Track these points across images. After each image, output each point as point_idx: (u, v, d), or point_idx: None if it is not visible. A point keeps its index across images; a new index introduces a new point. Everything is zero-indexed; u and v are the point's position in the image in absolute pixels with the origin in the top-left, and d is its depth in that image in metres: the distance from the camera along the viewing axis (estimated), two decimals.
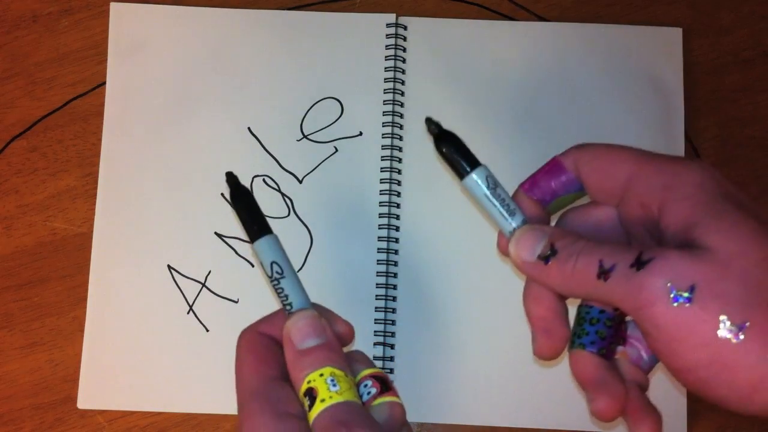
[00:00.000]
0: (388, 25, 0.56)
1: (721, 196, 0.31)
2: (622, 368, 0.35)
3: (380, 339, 0.52)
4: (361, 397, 0.34)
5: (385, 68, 0.55)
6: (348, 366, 0.34)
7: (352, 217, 0.54)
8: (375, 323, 0.52)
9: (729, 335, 0.27)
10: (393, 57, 0.55)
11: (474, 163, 0.36)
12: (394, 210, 0.54)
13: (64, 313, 0.54)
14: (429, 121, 0.37)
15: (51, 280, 0.54)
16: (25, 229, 0.55)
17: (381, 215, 0.54)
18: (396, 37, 0.56)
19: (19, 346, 0.53)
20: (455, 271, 0.53)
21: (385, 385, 0.34)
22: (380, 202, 0.54)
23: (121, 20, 0.57)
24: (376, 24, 0.56)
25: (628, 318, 0.35)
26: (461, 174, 0.36)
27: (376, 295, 0.53)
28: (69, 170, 0.55)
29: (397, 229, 0.54)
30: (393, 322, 0.53)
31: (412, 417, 0.52)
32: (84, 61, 0.57)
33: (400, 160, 0.55)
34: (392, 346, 0.52)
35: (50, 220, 0.55)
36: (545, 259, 0.34)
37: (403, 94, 0.55)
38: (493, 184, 0.36)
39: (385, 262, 0.53)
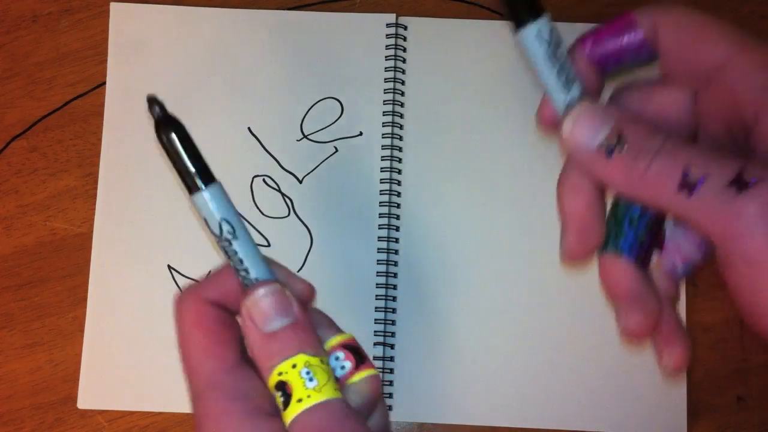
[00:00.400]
0: (388, 25, 0.56)
1: None
2: (653, 278, 0.31)
3: (380, 339, 0.52)
4: (332, 371, 0.29)
5: (385, 68, 0.55)
6: (321, 345, 0.29)
7: (352, 217, 0.54)
8: (375, 323, 0.52)
9: None
10: (393, 57, 0.55)
11: (537, 11, 0.30)
12: (394, 210, 0.54)
13: (64, 313, 0.54)
14: None
15: (51, 280, 0.54)
16: (25, 229, 0.55)
17: (381, 215, 0.54)
18: (396, 37, 0.56)
19: (19, 346, 0.53)
20: (455, 270, 0.53)
21: (359, 357, 0.30)
22: (380, 202, 0.54)
23: (121, 20, 0.57)
24: (376, 24, 0.56)
25: (667, 220, 0.31)
26: (518, 23, 0.29)
27: (376, 295, 0.53)
28: (69, 170, 0.55)
29: (397, 229, 0.54)
30: (393, 322, 0.53)
31: (412, 417, 0.52)
32: (84, 61, 0.57)
33: (400, 160, 0.55)
34: (392, 346, 0.52)
35: (50, 220, 0.55)
36: (609, 150, 0.27)
37: (403, 94, 0.55)
38: (557, 42, 0.30)
39: (385, 262, 0.53)
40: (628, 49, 0.30)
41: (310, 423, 0.27)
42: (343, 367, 0.29)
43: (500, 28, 0.56)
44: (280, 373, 0.28)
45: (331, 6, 0.57)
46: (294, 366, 0.28)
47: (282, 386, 0.28)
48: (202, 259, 0.54)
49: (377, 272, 0.53)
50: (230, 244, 0.29)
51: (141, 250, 0.54)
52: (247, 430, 0.27)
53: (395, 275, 0.53)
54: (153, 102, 0.29)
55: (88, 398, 0.52)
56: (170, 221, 0.54)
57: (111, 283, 0.53)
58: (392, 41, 0.56)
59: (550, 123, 0.31)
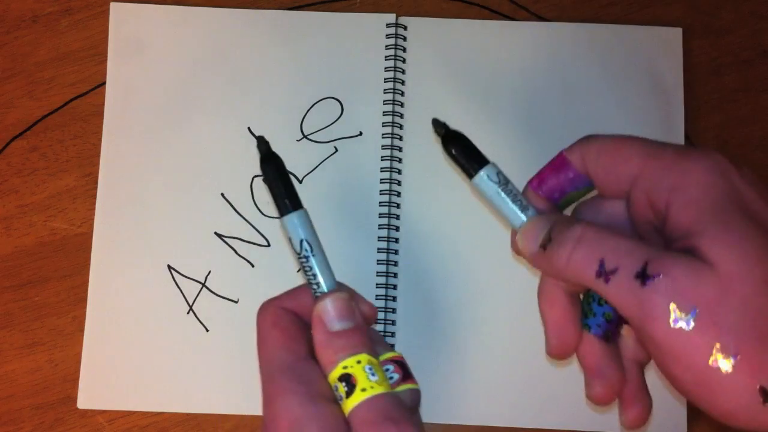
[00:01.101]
0: (388, 25, 0.56)
1: (729, 200, 0.30)
2: (623, 344, 0.36)
3: None
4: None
5: (385, 68, 0.55)
6: (376, 352, 0.33)
7: (352, 217, 0.54)
8: (375, 323, 0.52)
9: (719, 365, 0.28)
10: (393, 57, 0.55)
11: (483, 162, 0.36)
12: (394, 210, 0.54)
13: (64, 313, 0.54)
14: (436, 123, 0.37)
15: (51, 280, 0.54)
16: (25, 229, 0.55)
17: (381, 215, 0.54)
18: (396, 37, 0.56)
19: (19, 346, 0.53)
20: (455, 270, 0.53)
21: (405, 371, 0.34)
22: (380, 202, 0.54)
23: (121, 20, 0.57)
24: (376, 24, 0.56)
25: None
26: (471, 173, 0.36)
27: (376, 295, 0.53)
28: (69, 170, 0.55)
29: (397, 229, 0.54)
30: (393, 322, 0.53)
31: None
32: (84, 61, 0.57)
33: (400, 160, 0.55)
34: (392, 346, 0.52)
35: (50, 220, 0.55)
36: (543, 247, 0.33)
37: (403, 94, 0.55)
38: (504, 181, 0.36)
39: (385, 261, 0.53)
40: (566, 182, 0.36)
41: (374, 407, 0.31)
42: (392, 378, 0.33)
43: (500, 28, 0.56)
44: (345, 367, 0.32)
45: (331, 6, 0.57)
46: (359, 362, 0.32)
47: (346, 378, 0.31)
48: (202, 259, 0.54)
49: (377, 272, 0.53)
50: (307, 260, 0.34)
51: (141, 250, 0.54)
52: (311, 409, 0.31)
53: (395, 275, 0.53)
54: (261, 141, 0.35)
55: (88, 398, 0.52)
56: (170, 221, 0.54)
57: (111, 283, 0.53)
58: (392, 41, 0.56)
59: (518, 248, 0.36)
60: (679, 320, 0.28)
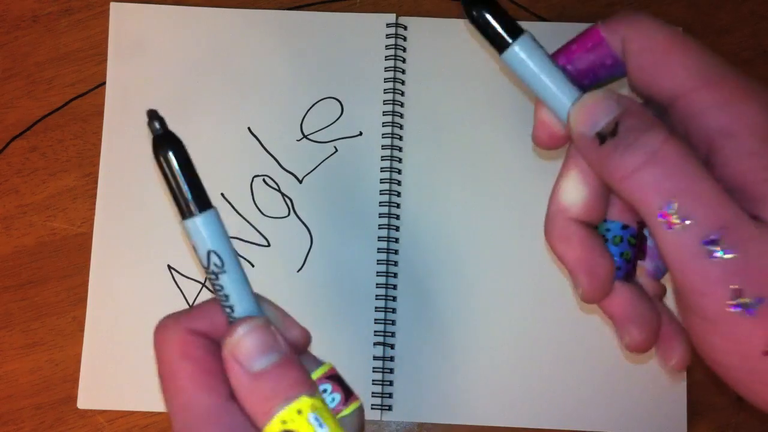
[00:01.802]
0: (388, 25, 0.56)
1: None
2: (641, 282, 0.31)
3: (380, 339, 0.52)
4: None
5: (385, 68, 0.55)
6: (314, 384, 0.27)
7: (352, 217, 0.54)
8: (375, 323, 0.52)
9: None
10: (393, 57, 0.55)
11: (518, 30, 0.29)
12: (394, 210, 0.54)
13: (64, 313, 0.54)
14: None
15: (51, 280, 0.54)
16: (25, 229, 0.55)
17: (381, 215, 0.54)
18: (396, 37, 0.56)
19: (19, 346, 0.53)
20: (455, 270, 0.53)
21: (345, 388, 0.28)
22: (380, 202, 0.54)
23: (121, 20, 0.57)
24: (376, 24, 0.56)
25: (645, 230, 0.31)
26: (506, 42, 0.28)
27: (376, 295, 0.53)
28: (69, 170, 0.55)
29: (397, 229, 0.54)
30: (393, 322, 0.53)
31: (412, 417, 0.52)
32: (84, 61, 0.57)
33: (400, 160, 0.55)
34: (392, 346, 0.52)
35: (50, 220, 0.55)
36: (602, 139, 0.26)
37: (403, 94, 0.55)
38: (546, 51, 0.29)
39: (385, 262, 0.53)
40: (601, 67, 0.29)
41: None
42: (333, 400, 0.28)
43: None
44: (284, 422, 0.25)
45: (331, 6, 0.57)
46: (299, 412, 0.25)
47: None
48: None
49: (377, 272, 0.53)
50: (217, 277, 0.26)
51: (141, 250, 0.54)
52: None
53: (395, 275, 0.53)
54: (153, 116, 0.26)
55: (88, 398, 0.52)
56: (170, 221, 0.54)
57: (111, 283, 0.53)
58: (392, 41, 0.56)
59: (548, 141, 0.30)
60: (742, 306, 0.24)
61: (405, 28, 0.56)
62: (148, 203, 0.54)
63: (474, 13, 0.28)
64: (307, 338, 0.29)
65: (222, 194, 0.54)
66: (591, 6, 0.57)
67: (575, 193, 0.29)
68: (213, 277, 0.26)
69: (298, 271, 0.53)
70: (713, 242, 0.24)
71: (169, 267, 0.54)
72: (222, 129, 0.55)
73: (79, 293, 0.54)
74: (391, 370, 0.52)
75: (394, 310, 0.53)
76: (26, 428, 0.52)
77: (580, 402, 0.52)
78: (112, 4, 0.57)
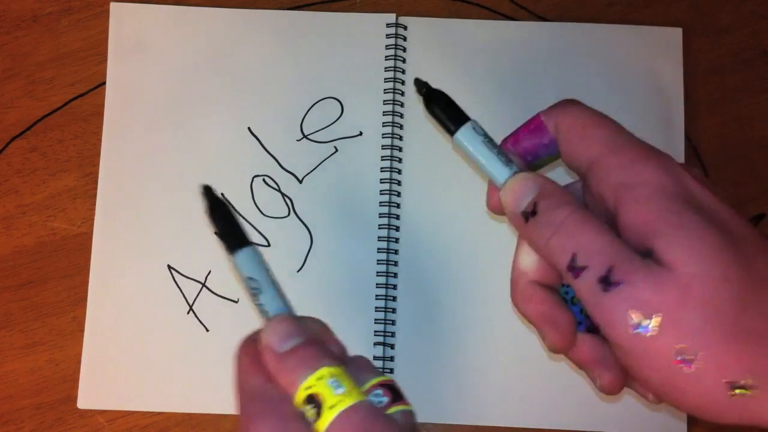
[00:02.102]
0: (388, 25, 0.56)
1: (682, 200, 0.30)
2: None
3: (380, 339, 0.52)
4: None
5: (385, 68, 0.55)
6: (339, 358, 0.32)
7: (352, 217, 0.54)
8: (375, 323, 0.52)
9: (682, 365, 0.28)
10: (393, 57, 0.55)
11: (465, 118, 0.35)
12: (394, 210, 0.54)
13: (64, 313, 0.54)
14: (417, 82, 0.36)
15: (51, 280, 0.54)
16: (25, 229, 0.55)
17: (381, 215, 0.54)
18: (396, 37, 0.56)
19: (19, 346, 0.53)
20: (455, 270, 0.53)
21: (396, 394, 0.32)
22: (380, 202, 0.54)
23: (121, 20, 0.57)
24: (376, 24, 0.56)
25: None
26: (453, 129, 0.35)
27: (376, 295, 0.53)
28: (69, 170, 0.55)
29: (397, 229, 0.54)
30: (393, 322, 0.53)
31: None
32: (84, 61, 0.57)
33: (400, 160, 0.55)
34: (392, 346, 0.52)
35: (50, 220, 0.55)
36: (526, 217, 0.32)
37: (403, 94, 0.55)
38: (487, 135, 0.35)
39: (385, 262, 0.53)
40: (541, 147, 0.35)
41: (348, 422, 0.29)
42: (380, 402, 0.31)
43: (500, 28, 0.56)
44: (307, 388, 0.30)
45: (331, 6, 0.57)
46: (320, 378, 0.30)
47: (312, 399, 0.30)
48: (202, 259, 0.54)
49: (377, 272, 0.53)
50: (256, 297, 0.33)
51: (141, 250, 0.54)
52: (281, 428, 0.30)
53: (395, 275, 0.53)
54: (207, 190, 0.35)
55: (88, 398, 0.52)
56: (170, 221, 0.54)
57: (111, 283, 0.53)
58: (392, 41, 0.56)
59: (497, 209, 0.35)
60: (639, 327, 0.29)
61: (405, 28, 0.56)
62: (148, 203, 0.54)
63: (430, 105, 0.36)
64: (343, 354, 0.34)
65: (222, 194, 0.54)
66: (591, 6, 0.57)
67: (529, 259, 0.35)
68: (253, 296, 0.34)
69: (298, 271, 0.53)
70: (605, 279, 0.29)
71: (169, 267, 0.54)
72: (222, 129, 0.55)
73: (79, 293, 0.54)
74: (391, 370, 0.52)
75: (394, 310, 0.53)
76: (26, 428, 0.52)
77: (580, 402, 0.52)
78: (112, 4, 0.57)
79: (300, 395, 0.30)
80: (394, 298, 0.53)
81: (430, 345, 0.53)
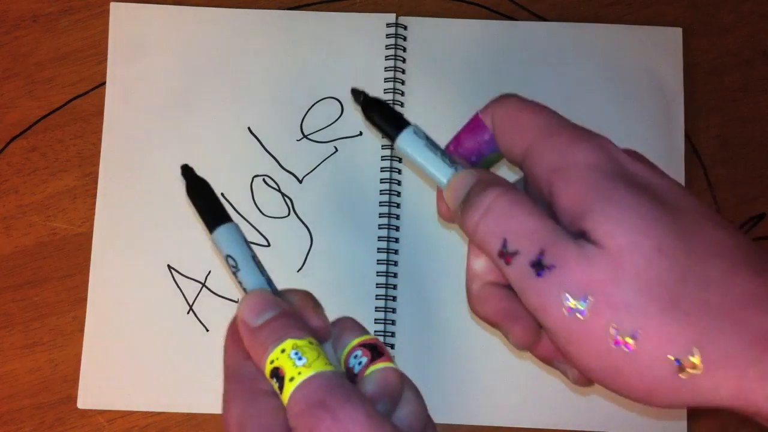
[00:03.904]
0: (388, 25, 0.56)
1: (614, 175, 0.29)
2: None
3: (380, 339, 0.52)
4: (352, 369, 0.30)
5: (385, 68, 0.55)
6: (310, 330, 0.30)
7: (352, 217, 0.54)
8: (375, 323, 0.52)
9: (622, 345, 0.27)
10: (393, 57, 0.55)
11: (405, 123, 0.35)
12: (394, 210, 0.54)
13: (64, 313, 0.54)
14: (354, 92, 0.36)
15: (51, 280, 0.54)
16: (25, 229, 0.55)
17: (381, 215, 0.54)
18: (396, 37, 0.56)
19: (19, 346, 0.53)
20: (455, 270, 0.53)
21: (375, 352, 0.31)
22: (380, 202, 0.54)
23: (121, 20, 0.57)
24: (376, 24, 0.56)
25: None
26: (393, 136, 0.35)
27: (376, 295, 0.53)
28: (69, 170, 0.55)
29: (397, 229, 0.54)
30: (393, 322, 0.53)
31: None
32: (84, 61, 0.57)
33: (400, 160, 0.55)
34: (392, 346, 0.52)
35: (50, 220, 0.55)
36: (462, 207, 0.31)
37: (403, 94, 0.55)
38: (429, 139, 0.34)
39: (385, 262, 0.53)
40: (482, 144, 0.34)
41: (302, 396, 0.28)
42: (360, 363, 0.30)
43: (500, 28, 0.56)
44: (272, 362, 0.29)
45: (331, 6, 0.57)
46: (283, 351, 0.29)
47: (276, 372, 0.29)
48: (202, 259, 0.54)
49: (377, 272, 0.53)
50: (235, 274, 0.33)
51: (141, 250, 0.54)
52: (249, 409, 0.29)
53: (395, 275, 0.53)
54: (185, 169, 0.36)
55: (88, 398, 0.52)
56: (170, 221, 0.54)
57: (111, 283, 0.53)
58: (392, 41, 0.56)
59: (447, 216, 0.34)
60: (573, 310, 0.28)
61: (405, 28, 0.56)
62: (148, 203, 0.54)
63: (368, 113, 0.36)
64: (324, 328, 0.32)
65: (222, 194, 0.54)
66: (591, 6, 0.57)
67: (480, 260, 0.33)
68: (233, 273, 0.33)
69: (298, 271, 0.53)
70: (537, 263, 0.28)
71: (169, 267, 0.54)
72: (222, 129, 0.55)
73: (79, 293, 0.54)
74: None
75: (394, 310, 0.53)
76: (26, 428, 0.52)
77: (580, 402, 0.52)
78: (112, 4, 0.57)
79: (267, 369, 0.29)
80: (394, 298, 0.53)
81: (430, 344, 0.53)
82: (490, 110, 0.34)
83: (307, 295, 0.33)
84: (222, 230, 0.33)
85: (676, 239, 0.27)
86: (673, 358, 0.27)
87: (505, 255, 0.29)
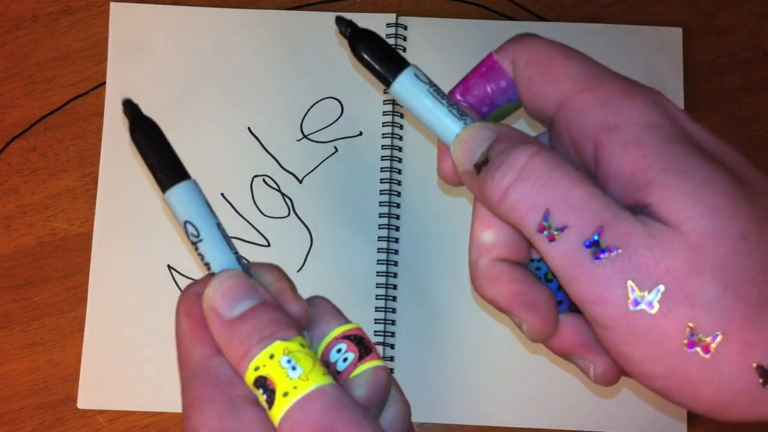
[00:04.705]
0: (388, 25, 0.56)
1: (681, 141, 0.24)
2: None
3: (380, 339, 0.52)
4: (334, 365, 0.26)
5: None
6: (297, 325, 0.26)
7: (352, 217, 0.54)
8: (375, 323, 0.52)
9: (697, 349, 0.23)
10: None
11: (403, 63, 0.28)
12: (394, 210, 0.54)
13: (64, 313, 0.54)
14: (339, 21, 0.28)
15: (51, 280, 0.54)
16: (25, 229, 0.55)
17: (381, 215, 0.54)
18: (396, 37, 0.56)
19: (19, 346, 0.53)
20: (455, 270, 0.53)
21: (363, 347, 0.27)
22: (380, 202, 0.54)
23: (121, 20, 0.57)
24: (376, 24, 0.56)
25: None
26: (389, 79, 0.28)
27: (376, 295, 0.53)
28: (69, 170, 0.55)
29: (397, 229, 0.54)
30: (393, 322, 0.53)
31: (412, 417, 0.52)
32: (84, 61, 0.57)
33: (400, 160, 0.55)
34: (392, 346, 0.52)
35: (50, 220, 0.55)
36: (478, 168, 0.26)
37: None
38: (432, 84, 0.28)
39: (385, 262, 0.53)
40: (497, 92, 0.29)
41: (302, 418, 0.23)
42: (345, 359, 0.26)
43: (500, 28, 0.56)
44: (257, 368, 0.24)
45: (331, 6, 0.57)
46: (272, 356, 0.24)
47: (262, 382, 0.24)
48: None
49: (377, 272, 0.53)
50: (196, 247, 0.27)
51: (141, 250, 0.54)
52: (229, 421, 0.24)
53: (395, 275, 0.53)
54: (127, 104, 0.28)
55: (88, 398, 0.52)
56: (170, 221, 0.54)
57: (111, 283, 0.53)
58: (392, 41, 0.56)
59: (450, 175, 0.29)
60: (641, 302, 0.23)
61: (405, 28, 0.56)
62: (148, 203, 0.54)
63: (357, 49, 0.28)
64: (305, 315, 0.28)
65: (222, 194, 0.54)
66: (591, 6, 0.57)
67: (490, 230, 0.28)
68: (194, 246, 0.27)
69: (298, 271, 0.53)
70: (594, 244, 0.23)
71: (169, 267, 0.54)
72: (222, 129, 0.55)
73: (79, 293, 0.54)
74: (392, 370, 0.52)
75: (394, 310, 0.53)
76: (26, 428, 0.52)
77: (580, 402, 0.52)
78: (112, 4, 0.57)
79: (249, 377, 0.24)
80: (394, 298, 0.53)
81: (430, 344, 0.53)
82: (509, 51, 0.28)
83: (281, 274, 0.28)
84: (178, 189, 0.27)
85: (759, 225, 0.23)
86: (758, 366, 0.23)
87: (548, 230, 0.24)
